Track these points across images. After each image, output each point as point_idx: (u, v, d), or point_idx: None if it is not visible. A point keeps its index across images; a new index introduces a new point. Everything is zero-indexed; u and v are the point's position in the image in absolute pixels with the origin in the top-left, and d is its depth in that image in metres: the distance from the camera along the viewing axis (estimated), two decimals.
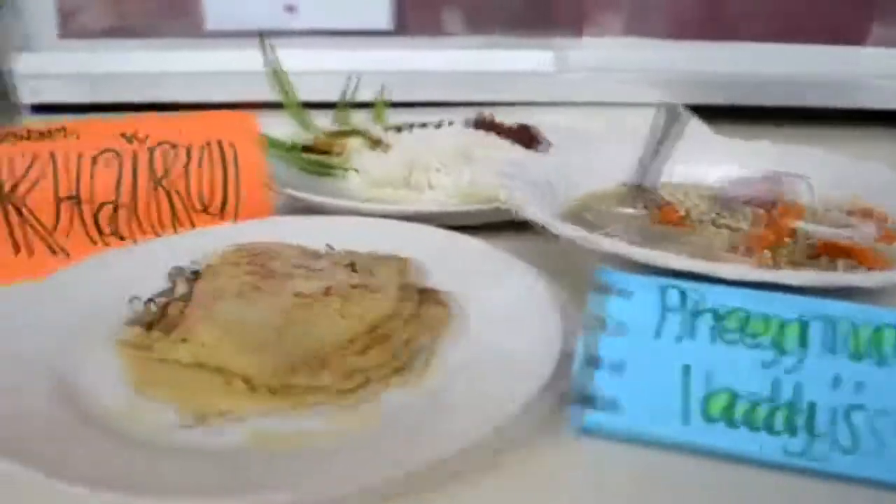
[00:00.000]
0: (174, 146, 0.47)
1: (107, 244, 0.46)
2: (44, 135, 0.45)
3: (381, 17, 0.89)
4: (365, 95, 0.86)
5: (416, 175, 0.50)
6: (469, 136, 0.56)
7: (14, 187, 0.44)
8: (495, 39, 0.90)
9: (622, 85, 0.90)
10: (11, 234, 0.45)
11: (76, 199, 0.45)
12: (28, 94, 0.94)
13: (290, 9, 0.90)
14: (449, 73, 0.89)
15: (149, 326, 0.35)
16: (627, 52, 0.90)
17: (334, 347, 0.32)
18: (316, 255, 0.40)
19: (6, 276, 0.44)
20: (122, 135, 0.46)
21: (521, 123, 0.64)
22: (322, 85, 0.88)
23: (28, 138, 0.45)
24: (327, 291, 0.35)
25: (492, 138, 0.57)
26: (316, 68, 0.89)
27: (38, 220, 0.45)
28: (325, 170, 0.58)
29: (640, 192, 0.49)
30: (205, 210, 0.48)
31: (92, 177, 0.46)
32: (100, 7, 0.94)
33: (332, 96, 0.84)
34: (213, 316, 0.33)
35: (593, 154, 0.53)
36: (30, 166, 0.44)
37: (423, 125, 0.65)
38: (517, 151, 0.56)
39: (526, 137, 0.64)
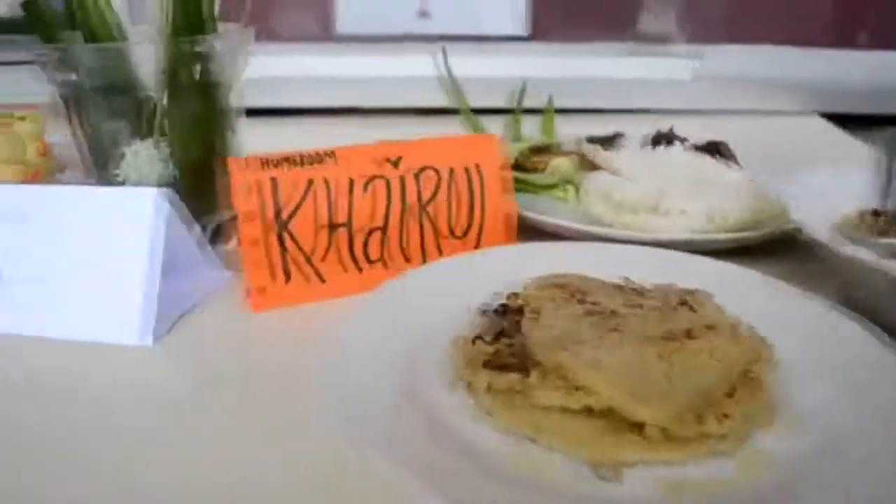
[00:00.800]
0: (435, 171, 0.47)
1: (360, 270, 0.46)
2: (314, 160, 0.44)
3: (517, 22, 0.88)
4: (497, 102, 0.86)
5: (665, 200, 0.49)
6: (695, 157, 0.56)
7: (291, 214, 0.44)
8: (630, 46, 0.89)
9: (756, 93, 0.89)
10: (283, 260, 0.44)
11: (344, 225, 0.45)
12: None
13: (423, 14, 0.89)
14: (583, 81, 0.88)
15: (486, 364, 0.35)
16: (762, 60, 0.90)
17: (713, 392, 0.32)
18: (622, 289, 0.40)
19: (270, 302, 0.44)
20: (388, 160, 0.46)
21: (709, 140, 0.64)
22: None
23: (301, 164, 0.44)
24: (689, 333, 0.34)
25: (706, 158, 0.57)
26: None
27: (300, 246, 0.44)
28: (537, 189, 0.57)
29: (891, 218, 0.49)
30: (452, 235, 0.48)
31: (351, 203, 0.45)
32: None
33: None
34: (590, 361, 0.33)
35: (819, 178, 0.53)
36: (305, 193, 0.44)
37: (605, 139, 0.65)
38: (739, 172, 0.55)
39: (715, 154, 0.63)
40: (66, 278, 0.42)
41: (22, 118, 0.67)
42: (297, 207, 0.44)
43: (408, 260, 0.47)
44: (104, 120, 0.47)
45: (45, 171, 0.66)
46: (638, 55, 0.89)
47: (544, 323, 0.36)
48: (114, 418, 0.35)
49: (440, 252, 0.48)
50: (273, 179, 0.43)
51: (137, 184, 0.47)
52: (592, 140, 0.68)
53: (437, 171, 0.47)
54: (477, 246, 0.49)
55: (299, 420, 0.35)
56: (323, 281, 0.45)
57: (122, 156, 0.48)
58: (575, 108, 0.83)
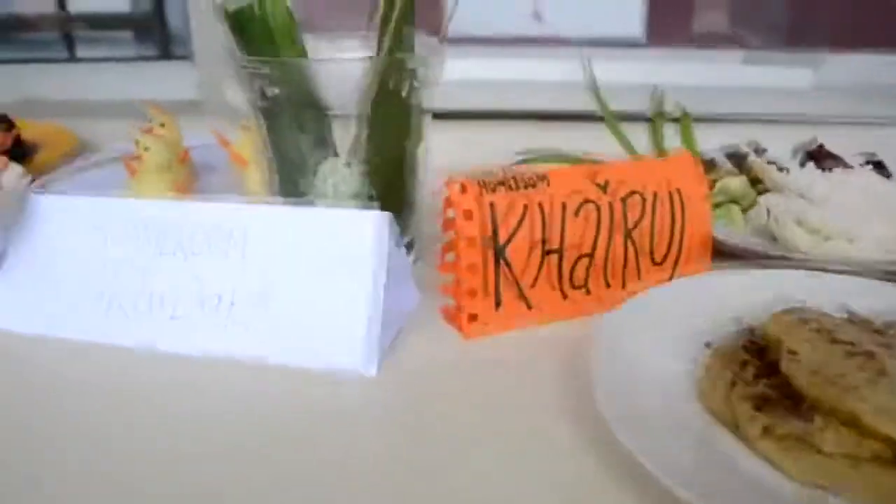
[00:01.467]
0: (641, 195, 0.46)
1: (565, 296, 0.45)
2: (528, 183, 0.43)
3: (633, 26, 0.87)
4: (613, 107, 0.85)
5: (857, 225, 0.48)
6: (868, 177, 0.54)
7: (508, 239, 0.43)
8: (751, 54, 0.88)
9: (875, 102, 0.88)
10: (496, 287, 0.43)
11: (556, 251, 0.44)
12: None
13: (537, 16, 0.88)
14: (699, 88, 0.86)
15: (758, 407, 0.34)
16: (882, 68, 0.88)
17: None
18: (859, 324, 0.39)
19: (481, 328, 0.43)
20: (597, 184, 0.45)
21: (869, 157, 0.63)
22: (560, 95, 0.86)
23: (516, 188, 0.43)
24: None
25: (877, 177, 0.55)
26: (559, 79, 0.87)
27: (513, 272, 0.43)
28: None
29: None
30: (652, 260, 0.47)
31: (563, 228, 0.44)
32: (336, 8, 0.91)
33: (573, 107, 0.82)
34: (880, 408, 0.32)
35: None
36: (521, 218, 0.43)
37: (742, 155, 0.64)
38: None
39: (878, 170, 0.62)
40: (284, 301, 0.41)
41: (162, 124, 0.66)
42: (514, 232, 0.43)
43: (608, 285, 0.46)
44: (300, 134, 0.46)
45: (187, 179, 0.65)
46: (754, 63, 0.88)
47: (806, 363, 0.35)
48: (344, 446, 0.35)
49: (639, 277, 0.47)
50: (491, 204, 0.42)
51: (333, 199, 0.46)
52: (735, 155, 0.67)
53: (642, 195, 0.46)
54: (674, 271, 0.48)
55: (548, 445, 0.34)
56: (529, 307, 0.44)
57: (316, 171, 0.47)
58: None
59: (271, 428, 0.36)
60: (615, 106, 0.83)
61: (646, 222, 0.46)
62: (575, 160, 0.66)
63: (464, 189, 0.42)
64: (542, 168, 0.44)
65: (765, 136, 0.70)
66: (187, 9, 1.08)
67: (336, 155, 0.46)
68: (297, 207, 0.42)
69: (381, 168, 0.47)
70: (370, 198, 0.47)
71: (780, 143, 0.69)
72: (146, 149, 0.59)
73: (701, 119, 0.83)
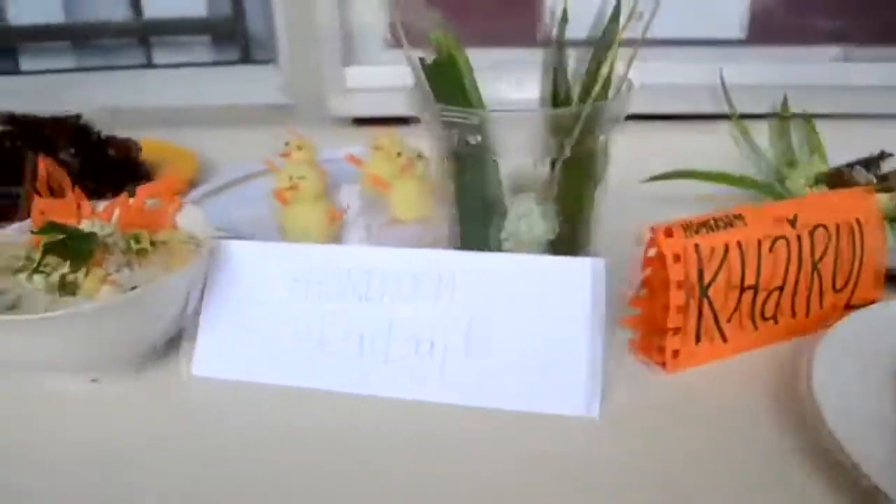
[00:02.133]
0: (826, 228, 0.47)
1: (756, 327, 0.47)
2: (726, 223, 0.45)
3: (734, 25, 0.87)
4: (707, 107, 0.85)
5: None
6: None
7: (711, 279, 0.44)
8: (850, 51, 0.88)
9: None
10: (698, 324, 0.45)
11: (752, 287, 0.45)
12: (349, 107, 0.93)
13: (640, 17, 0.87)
14: (802, 87, 0.87)
15: None
16: None
17: None
18: None
19: (681, 364, 0.45)
20: (787, 219, 0.46)
21: None
22: (667, 97, 0.87)
23: (716, 228, 0.44)
24: None
25: None
26: (665, 81, 0.87)
27: (715, 310, 0.45)
28: None
29: None
30: (833, 290, 0.49)
31: (759, 264, 0.45)
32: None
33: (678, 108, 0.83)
34: None
35: None
36: (723, 257, 0.44)
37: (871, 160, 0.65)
38: None
39: None
40: (497, 346, 0.43)
41: (299, 147, 0.68)
42: (717, 272, 0.44)
43: (794, 315, 0.48)
44: (494, 178, 0.48)
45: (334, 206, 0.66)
46: (853, 60, 0.88)
47: None
48: (576, 491, 0.37)
49: (821, 306, 0.48)
50: (696, 246, 0.44)
51: (526, 239, 0.48)
52: (859, 164, 0.68)
53: (826, 228, 0.47)
54: (851, 297, 0.49)
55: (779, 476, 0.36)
56: (725, 340, 0.46)
57: (506, 213, 0.48)
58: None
59: (494, 472, 0.38)
60: (717, 107, 0.84)
61: (830, 253, 0.47)
62: (706, 176, 0.67)
63: (670, 233, 0.44)
64: (738, 208, 0.46)
65: (881, 136, 0.70)
66: (269, 12, 1.08)
67: (529, 197, 0.48)
68: (502, 256, 0.44)
69: (571, 207, 0.49)
70: (558, 237, 0.48)
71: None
72: (302, 177, 0.60)
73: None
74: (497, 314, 0.44)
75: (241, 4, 1.12)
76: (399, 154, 0.65)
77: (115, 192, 0.71)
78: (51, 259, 0.46)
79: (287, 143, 0.68)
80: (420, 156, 0.64)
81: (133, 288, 0.45)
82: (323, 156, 0.69)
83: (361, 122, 0.94)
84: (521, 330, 0.43)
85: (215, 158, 0.86)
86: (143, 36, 1.17)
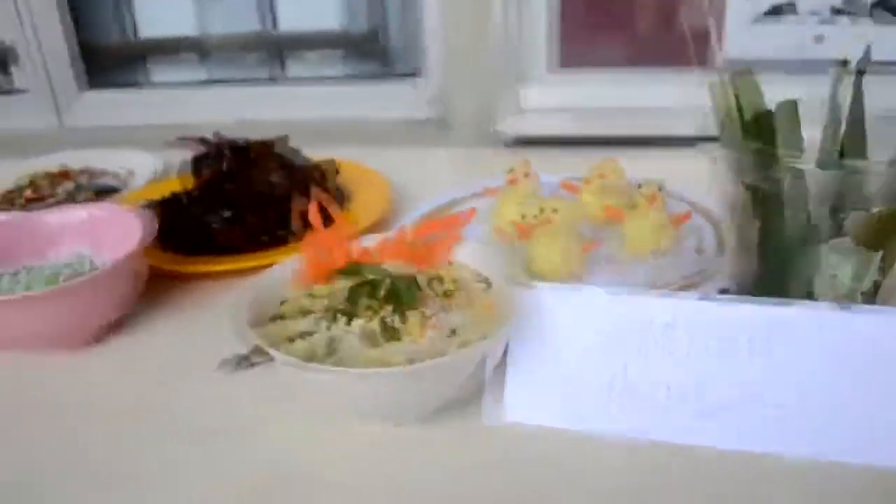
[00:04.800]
0: None
1: None
2: None
3: None
4: None
5: None
6: None
7: None
8: None
9: None
10: None
11: None
12: (519, 127, 0.91)
13: (819, 38, 0.86)
14: None
15: None
16: None
17: None
18: None
19: None
20: None
21: None
22: None
23: None
24: None
25: None
26: None
27: None
28: None
29: None
30: None
31: None
32: (599, 35, 0.89)
33: None
34: None
35: None
36: None
37: None
38: None
39: None
40: (833, 398, 0.42)
41: (526, 174, 0.66)
42: None
43: None
44: (808, 225, 0.46)
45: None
46: None
47: None
48: None
49: None
50: None
51: (839, 291, 0.46)
52: None
53: None
54: None
55: None
56: None
57: (814, 261, 0.47)
58: None
59: None
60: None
61: None
62: None
63: None
64: None
65: None
66: (413, 26, 1.06)
67: (846, 244, 0.46)
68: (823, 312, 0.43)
69: (889, 252, 0.47)
70: (875, 288, 0.47)
71: None
72: (555, 210, 0.58)
73: None
74: (827, 367, 0.42)
75: (385, 18, 1.11)
76: (640, 186, 0.63)
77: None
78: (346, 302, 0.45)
79: (511, 170, 0.67)
80: (661, 188, 0.63)
81: (452, 331, 0.44)
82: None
83: (520, 142, 0.93)
84: (854, 385, 0.42)
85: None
86: (277, 48, 1.16)
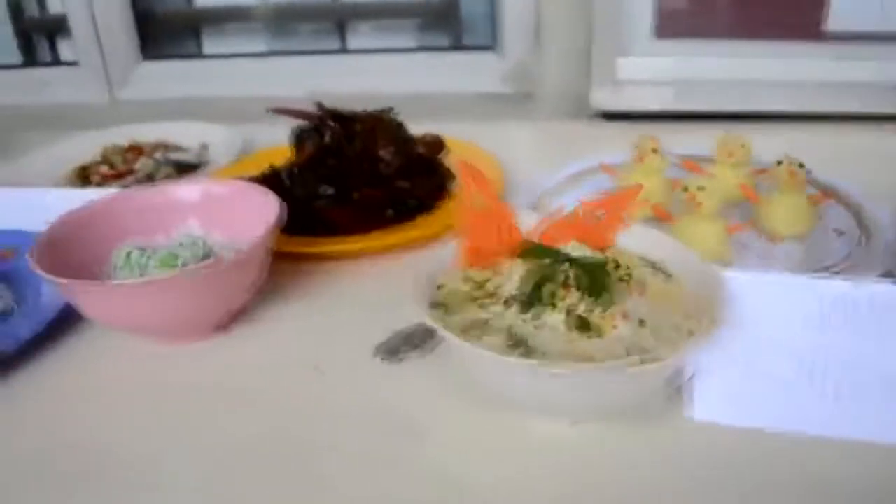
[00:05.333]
0: None
1: None
2: None
3: None
4: None
5: None
6: None
7: None
8: None
9: None
10: None
11: None
12: (617, 101, 0.86)
13: None
14: None
15: None
16: None
17: None
18: None
19: None
20: None
21: None
22: None
23: None
24: None
25: None
26: None
27: None
28: None
29: None
30: None
31: None
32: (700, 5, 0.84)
33: None
34: None
35: None
36: None
37: None
38: None
39: None
40: None
41: (654, 149, 0.62)
42: None
43: None
44: None
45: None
46: None
47: None
48: None
49: None
50: None
51: None
52: None
53: None
54: None
55: None
56: None
57: None
58: None
59: None
60: None
61: None
62: None
63: None
64: None
65: None
66: None
67: None
68: None
69: None
70: None
71: None
72: (701, 188, 0.54)
73: None
74: None
75: None
76: (780, 163, 0.58)
77: (427, 195, 0.66)
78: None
79: (637, 145, 0.62)
80: (801, 165, 0.58)
81: (641, 322, 0.40)
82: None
83: (611, 117, 0.88)
84: None
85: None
86: (339, 17, 1.11)
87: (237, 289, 0.49)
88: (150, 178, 0.76)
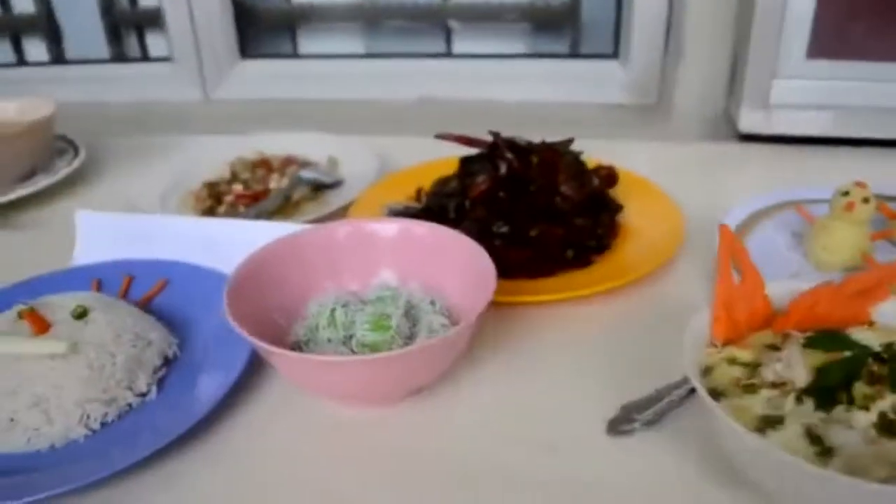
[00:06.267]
0: None
1: None
2: None
3: None
4: None
5: None
6: None
7: None
8: None
9: None
10: None
11: None
12: (754, 122, 0.81)
13: None
14: None
15: None
16: None
17: None
18: None
19: None
20: None
21: None
22: None
23: None
24: None
25: None
26: None
27: None
28: None
29: None
30: None
31: None
32: (863, 21, 0.78)
33: None
34: None
35: None
36: None
37: None
38: None
39: None
40: None
41: (866, 199, 0.57)
42: None
43: None
44: None
45: None
46: None
47: None
48: None
49: None
50: None
51: None
52: None
53: None
54: None
55: None
56: None
57: None
58: None
59: None
60: None
61: None
62: None
63: None
64: None
65: None
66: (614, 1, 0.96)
67: None
68: None
69: None
70: None
71: None
72: (865, 200, 0.54)
73: None
74: None
75: None
76: (846, 193, 0.56)
77: (605, 233, 0.60)
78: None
79: (846, 193, 0.58)
80: (867, 200, 0.55)
81: None
82: None
83: (748, 138, 0.83)
84: None
85: None
86: (444, 20, 1.06)
87: (449, 358, 0.45)
88: (286, 199, 0.72)
